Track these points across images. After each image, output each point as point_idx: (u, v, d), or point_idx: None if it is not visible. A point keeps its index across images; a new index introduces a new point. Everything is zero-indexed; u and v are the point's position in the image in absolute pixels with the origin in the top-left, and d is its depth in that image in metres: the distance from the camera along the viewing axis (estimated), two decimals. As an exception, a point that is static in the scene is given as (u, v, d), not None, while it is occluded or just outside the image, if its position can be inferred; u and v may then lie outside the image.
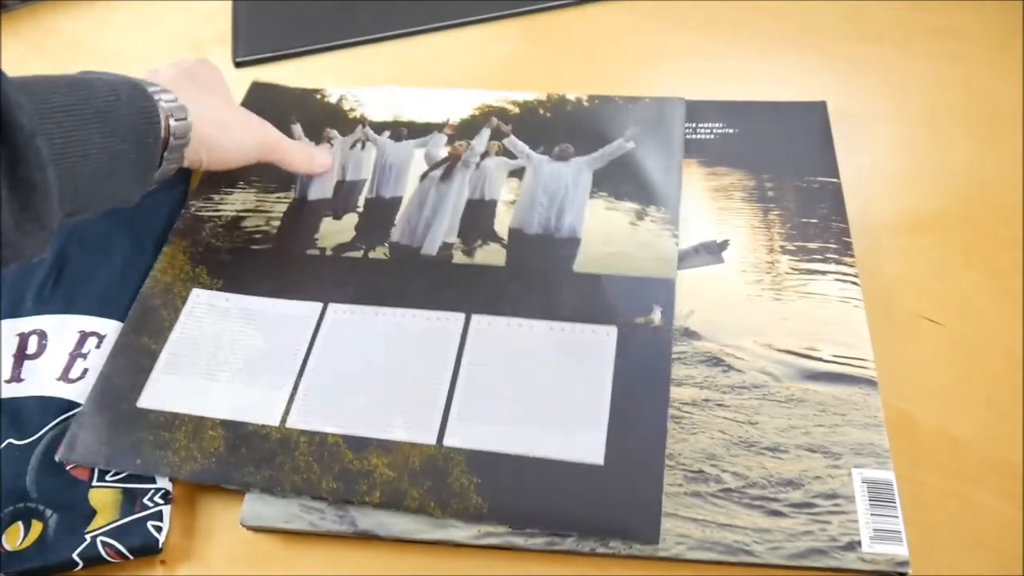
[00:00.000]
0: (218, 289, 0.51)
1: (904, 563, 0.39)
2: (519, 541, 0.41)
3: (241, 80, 0.66)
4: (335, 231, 0.54)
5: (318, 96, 0.63)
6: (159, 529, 0.43)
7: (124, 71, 0.46)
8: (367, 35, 0.70)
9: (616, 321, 0.47)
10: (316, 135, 0.60)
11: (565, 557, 0.42)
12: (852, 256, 0.50)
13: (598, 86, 0.61)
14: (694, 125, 0.58)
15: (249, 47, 0.71)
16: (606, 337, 0.46)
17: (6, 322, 0.51)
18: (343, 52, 0.70)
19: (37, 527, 0.43)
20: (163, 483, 0.44)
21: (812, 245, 0.51)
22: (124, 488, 0.44)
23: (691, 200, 0.53)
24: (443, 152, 0.57)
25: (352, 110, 0.62)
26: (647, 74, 0.66)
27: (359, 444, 0.43)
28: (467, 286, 0.49)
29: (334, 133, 0.60)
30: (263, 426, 0.45)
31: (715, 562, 0.40)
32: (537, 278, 0.49)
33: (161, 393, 0.47)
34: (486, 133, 0.58)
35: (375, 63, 0.69)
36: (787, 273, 0.50)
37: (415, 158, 0.58)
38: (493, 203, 0.53)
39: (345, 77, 0.67)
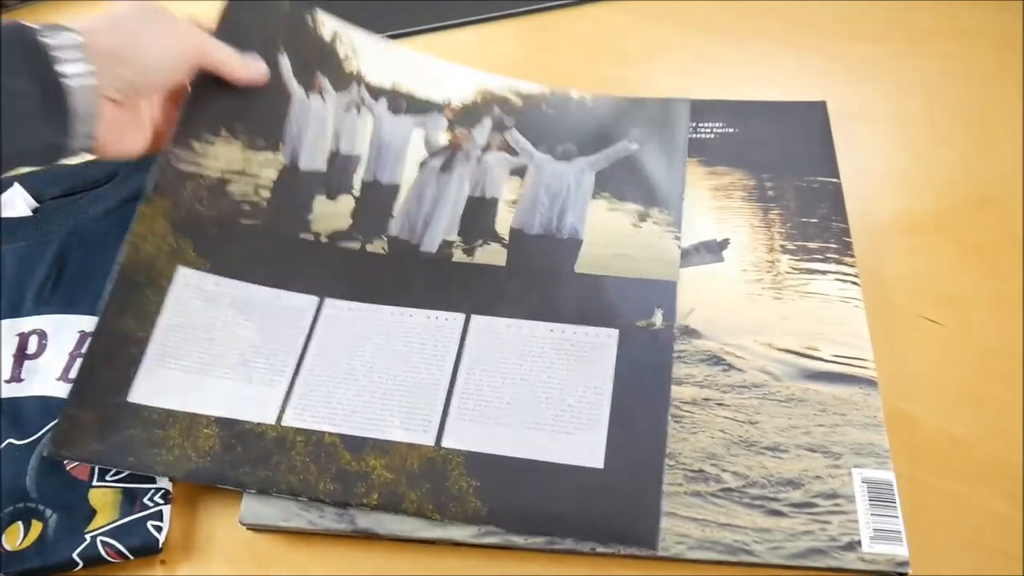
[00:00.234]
0: (206, 271, 0.49)
1: (904, 563, 0.39)
2: (519, 540, 0.41)
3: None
4: (330, 213, 0.53)
5: (309, 22, 0.57)
6: (159, 529, 0.43)
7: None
8: (367, 35, 0.70)
9: (617, 323, 0.47)
10: (307, 79, 0.56)
11: (565, 557, 0.42)
12: (852, 256, 0.50)
13: (598, 86, 0.61)
14: (695, 124, 0.57)
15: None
16: (607, 339, 0.46)
17: (6, 322, 0.51)
18: (343, 52, 0.70)
19: (37, 527, 0.43)
20: (163, 483, 0.44)
21: (812, 245, 0.51)
22: (124, 488, 0.44)
23: (691, 199, 0.53)
24: (443, 138, 0.56)
25: (347, 58, 0.58)
26: (647, 74, 0.66)
27: (356, 444, 0.43)
28: (467, 286, 0.49)
29: (327, 84, 0.56)
30: (259, 424, 0.44)
31: (715, 562, 0.40)
32: (538, 279, 0.49)
33: (153, 387, 0.45)
34: (488, 123, 0.57)
35: (375, 63, 0.69)
36: (787, 272, 0.50)
37: (413, 140, 0.56)
38: (494, 201, 0.53)
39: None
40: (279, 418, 0.44)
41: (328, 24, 0.58)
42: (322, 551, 0.43)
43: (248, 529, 0.43)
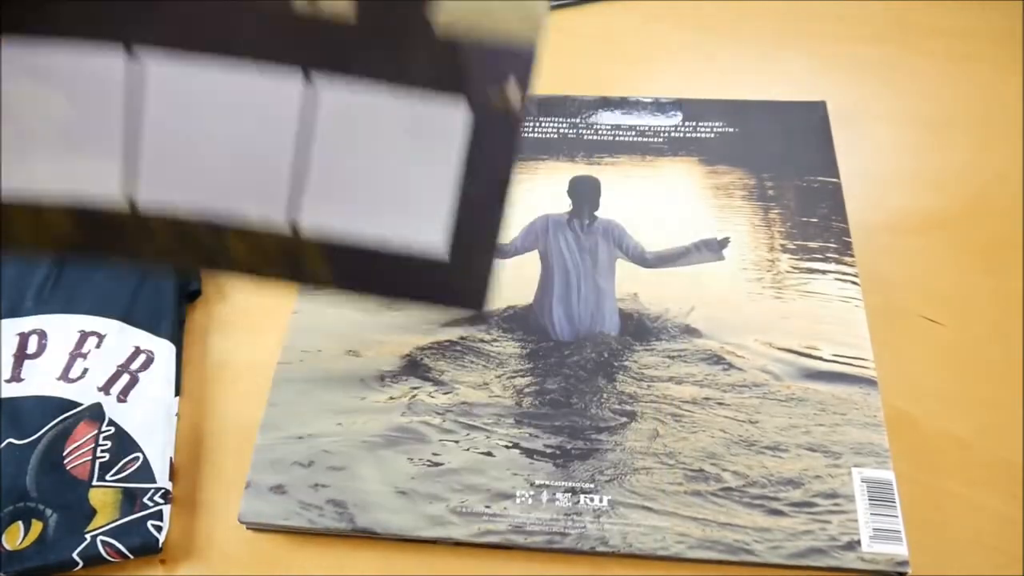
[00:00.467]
0: None
1: (904, 563, 0.39)
2: (519, 539, 0.41)
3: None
4: None
5: None
6: (159, 528, 0.43)
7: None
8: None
9: (467, 94, 0.39)
10: None
11: (565, 557, 0.42)
12: (852, 256, 0.50)
13: (598, 86, 0.61)
14: (694, 124, 0.58)
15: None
16: (455, 113, 0.39)
17: (6, 322, 0.51)
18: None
19: (37, 527, 0.43)
20: (163, 483, 0.44)
21: (812, 244, 0.51)
22: (124, 488, 0.44)
23: (691, 198, 0.54)
24: None
25: None
26: (647, 74, 0.66)
27: (213, 224, 0.39)
28: (309, 42, 0.40)
29: None
30: (106, 199, 0.39)
31: (715, 561, 0.40)
32: (389, 38, 0.40)
33: None
34: None
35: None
36: (787, 272, 0.50)
37: None
38: None
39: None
40: (129, 199, 0.39)
41: None
42: (322, 551, 0.43)
43: (248, 528, 0.43)
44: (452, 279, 0.39)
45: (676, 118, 0.58)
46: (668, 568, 0.41)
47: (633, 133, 0.58)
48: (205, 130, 0.39)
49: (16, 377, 0.48)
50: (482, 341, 0.49)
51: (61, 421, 0.47)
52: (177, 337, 0.50)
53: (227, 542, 0.44)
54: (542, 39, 0.37)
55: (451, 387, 0.47)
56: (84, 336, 0.50)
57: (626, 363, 0.47)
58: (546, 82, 0.61)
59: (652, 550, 0.40)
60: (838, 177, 0.54)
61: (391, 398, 0.46)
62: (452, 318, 0.49)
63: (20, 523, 0.43)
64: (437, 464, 0.44)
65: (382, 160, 0.40)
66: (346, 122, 0.40)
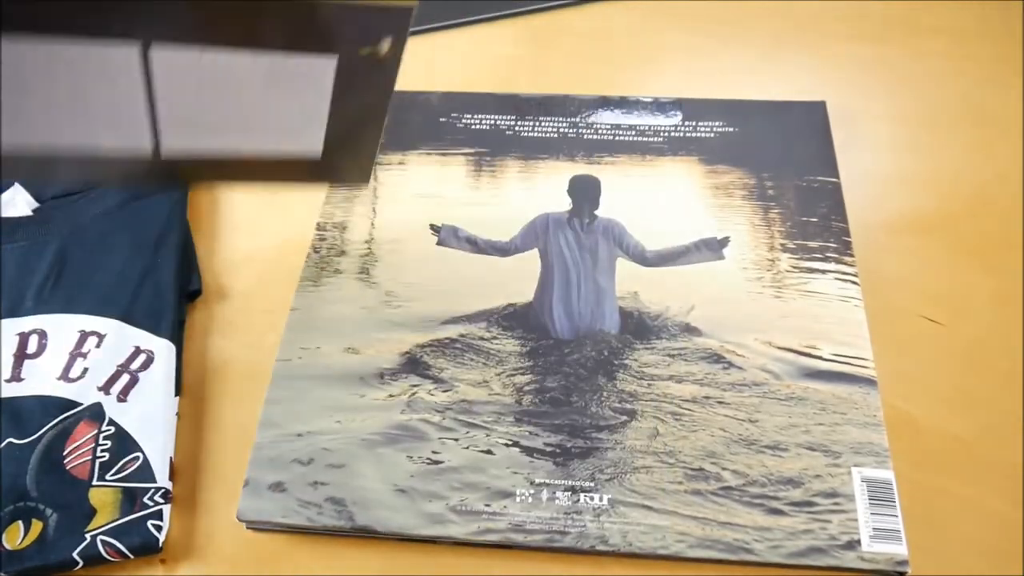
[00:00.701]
0: None
1: (903, 562, 0.39)
2: (518, 538, 0.41)
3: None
4: None
5: None
6: (159, 528, 0.43)
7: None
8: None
9: (336, 51, 0.38)
10: None
11: (565, 556, 0.42)
12: (852, 255, 0.50)
13: (598, 86, 0.61)
14: (694, 123, 0.58)
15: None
16: (324, 70, 0.38)
17: (6, 322, 0.51)
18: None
19: (37, 526, 0.43)
20: (163, 482, 0.44)
21: (812, 244, 0.51)
22: (124, 487, 0.44)
23: (691, 197, 0.54)
24: None
25: None
26: (647, 74, 0.66)
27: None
28: (142, 9, 0.36)
29: None
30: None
31: (715, 560, 0.40)
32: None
33: None
34: None
35: (375, 63, 0.69)
36: (787, 271, 0.50)
37: None
38: None
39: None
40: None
41: None
42: (322, 551, 0.43)
43: (247, 528, 0.43)
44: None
45: (676, 118, 0.58)
46: (668, 567, 0.41)
47: (633, 133, 0.58)
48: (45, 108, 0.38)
49: (16, 377, 0.48)
50: (482, 339, 0.49)
51: (61, 421, 0.47)
52: (177, 337, 0.50)
53: (227, 542, 0.44)
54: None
55: (451, 385, 0.47)
56: (84, 336, 0.50)
57: (626, 361, 0.47)
58: (546, 82, 0.62)
59: (652, 549, 0.40)
60: (838, 177, 0.54)
61: (390, 396, 0.46)
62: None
63: (20, 523, 0.43)
64: (437, 462, 0.44)
65: (245, 118, 0.40)
66: (197, 87, 0.39)
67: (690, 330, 0.47)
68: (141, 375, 0.48)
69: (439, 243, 0.53)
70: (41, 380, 0.48)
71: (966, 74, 0.62)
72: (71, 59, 0.37)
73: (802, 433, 0.43)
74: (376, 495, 0.43)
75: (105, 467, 0.45)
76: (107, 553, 0.42)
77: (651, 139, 0.57)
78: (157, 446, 0.46)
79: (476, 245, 0.53)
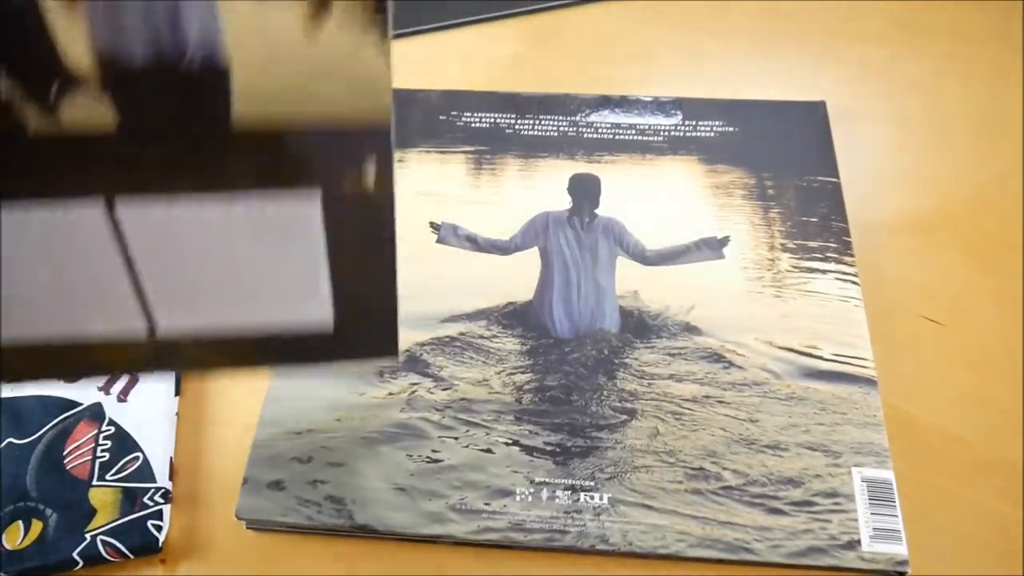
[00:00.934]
0: None
1: (903, 562, 0.39)
2: (518, 537, 0.41)
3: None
4: None
5: None
6: (159, 528, 0.43)
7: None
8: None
9: (317, 182, 0.34)
10: None
11: (565, 556, 0.42)
12: (852, 255, 0.50)
13: (598, 85, 0.61)
14: (694, 123, 0.58)
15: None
16: (308, 205, 0.35)
17: (6, 321, 0.51)
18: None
19: (37, 526, 0.43)
20: (163, 482, 0.44)
21: (812, 244, 0.51)
22: (124, 487, 0.44)
23: (691, 196, 0.54)
24: None
25: None
26: (647, 74, 0.66)
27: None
28: (94, 163, 0.32)
29: None
30: None
31: (715, 560, 0.40)
32: (185, 141, 0.32)
33: None
34: None
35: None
36: (787, 271, 0.50)
37: None
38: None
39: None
40: None
41: None
42: (322, 551, 0.43)
43: (247, 527, 0.43)
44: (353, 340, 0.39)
45: (676, 117, 0.58)
46: (668, 567, 0.41)
47: (633, 132, 0.58)
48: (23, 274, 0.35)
49: (16, 376, 0.48)
50: (482, 337, 0.49)
51: (61, 421, 0.47)
52: (177, 336, 0.50)
53: (227, 541, 0.44)
54: (392, 118, 0.33)
55: (451, 383, 0.47)
56: (84, 335, 0.50)
57: (626, 360, 0.47)
58: (546, 81, 0.62)
59: (652, 548, 0.40)
60: (838, 177, 0.54)
61: (390, 394, 0.46)
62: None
63: (20, 523, 0.43)
64: (436, 461, 0.44)
65: (240, 260, 0.36)
66: (173, 240, 0.35)
67: (690, 329, 0.47)
68: (141, 375, 0.48)
69: (439, 241, 0.53)
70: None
71: (966, 74, 0.62)
72: (38, 230, 0.34)
73: (802, 433, 0.43)
74: (376, 494, 0.43)
75: (105, 467, 0.45)
76: (107, 553, 0.42)
77: (651, 138, 0.57)
78: (157, 446, 0.46)
79: (476, 243, 0.53)
